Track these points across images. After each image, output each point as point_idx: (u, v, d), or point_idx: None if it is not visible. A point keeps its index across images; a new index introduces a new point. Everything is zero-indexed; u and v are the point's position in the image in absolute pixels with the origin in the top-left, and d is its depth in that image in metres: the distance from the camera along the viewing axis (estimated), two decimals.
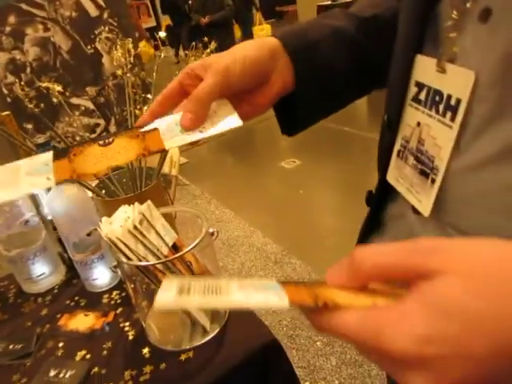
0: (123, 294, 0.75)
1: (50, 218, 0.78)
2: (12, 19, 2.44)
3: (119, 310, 0.72)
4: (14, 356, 0.65)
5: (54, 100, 0.85)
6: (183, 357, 0.60)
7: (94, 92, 2.74)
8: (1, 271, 0.88)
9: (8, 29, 2.45)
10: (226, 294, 0.22)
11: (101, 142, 0.38)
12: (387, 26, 0.43)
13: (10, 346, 0.66)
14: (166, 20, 5.20)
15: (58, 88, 0.81)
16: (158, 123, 0.39)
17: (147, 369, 0.59)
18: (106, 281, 0.78)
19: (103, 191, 0.76)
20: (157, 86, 0.67)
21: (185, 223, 0.72)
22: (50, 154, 0.38)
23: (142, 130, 0.39)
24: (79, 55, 2.68)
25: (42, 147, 0.66)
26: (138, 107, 0.77)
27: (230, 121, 0.39)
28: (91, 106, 2.71)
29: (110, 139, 0.38)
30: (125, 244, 0.55)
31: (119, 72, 0.81)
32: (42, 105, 2.21)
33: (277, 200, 2.61)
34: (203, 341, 0.62)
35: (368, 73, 0.46)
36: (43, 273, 0.80)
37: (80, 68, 2.70)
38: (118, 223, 0.56)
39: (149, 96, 0.81)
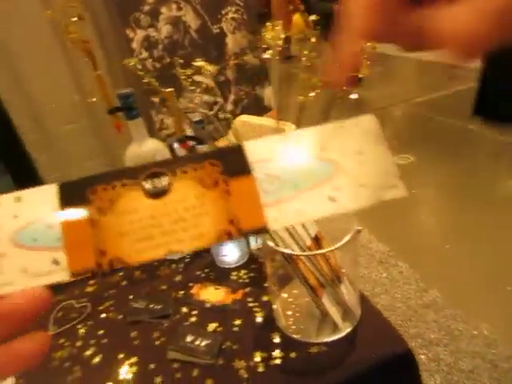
0: (251, 275, 0.77)
1: None
2: None
3: (247, 289, 0.73)
4: (155, 315, 0.70)
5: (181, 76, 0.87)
6: (313, 350, 0.59)
7: (216, 70, 2.86)
8: None
9: (146, 8, 2.65)
10: None
11: (148, 186, 0.18)
12: None
13: (150, 305, 0.72)
14: None
15: (209, 68, 0.84)
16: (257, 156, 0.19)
17: (277, 354, 0.60)
18: (235, 258, 0.80)
19: None
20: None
21: None
22: (51, 193, 0.18)
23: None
24: (206, 34, 2.81)
25: (198, 124, 0.68)
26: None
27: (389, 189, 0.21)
28: (212, 84, 2.83)
29: (164, 181, 0.18)
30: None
31: (268, 55, 0.81)
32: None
33: None
34: (334, 337, 0.61)
35: None
36: None
37: (206, 47, 2.83)
38: None
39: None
